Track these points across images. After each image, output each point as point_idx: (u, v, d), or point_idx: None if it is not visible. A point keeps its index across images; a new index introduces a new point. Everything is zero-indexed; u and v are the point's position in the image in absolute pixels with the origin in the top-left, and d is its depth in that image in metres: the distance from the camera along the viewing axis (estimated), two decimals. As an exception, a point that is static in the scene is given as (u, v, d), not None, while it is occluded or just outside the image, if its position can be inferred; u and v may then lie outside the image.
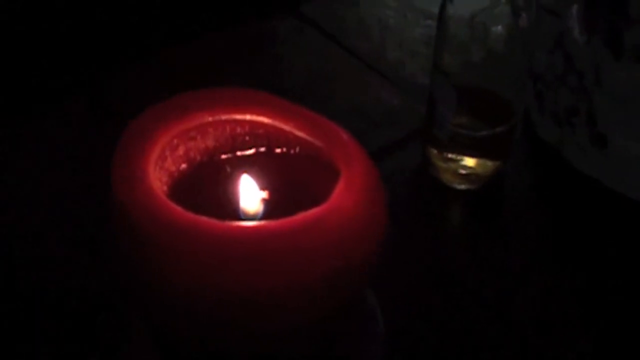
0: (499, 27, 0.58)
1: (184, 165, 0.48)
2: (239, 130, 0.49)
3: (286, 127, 0.48)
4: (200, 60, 0.75)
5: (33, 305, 0.55)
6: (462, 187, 0.64)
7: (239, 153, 0.49)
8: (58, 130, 0.68)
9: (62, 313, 0.55)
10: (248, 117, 0.48)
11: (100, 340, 0.54)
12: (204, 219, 0.42)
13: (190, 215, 0.42)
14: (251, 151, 0.49)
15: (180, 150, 0.48)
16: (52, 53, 0.77)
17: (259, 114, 0.48)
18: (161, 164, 0.46)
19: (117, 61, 0.75)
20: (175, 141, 0.47)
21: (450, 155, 0.63)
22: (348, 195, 0.43)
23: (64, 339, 0.54)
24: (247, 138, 0.49)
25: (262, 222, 0.43)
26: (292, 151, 0.49)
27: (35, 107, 0.70)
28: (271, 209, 0.47)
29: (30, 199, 0.62)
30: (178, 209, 0.43)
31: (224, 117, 0.48)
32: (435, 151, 0.64)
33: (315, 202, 0.44)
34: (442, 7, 0.59)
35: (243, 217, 0.46)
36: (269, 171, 0.48)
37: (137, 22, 0.80)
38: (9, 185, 0.64)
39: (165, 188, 0.47)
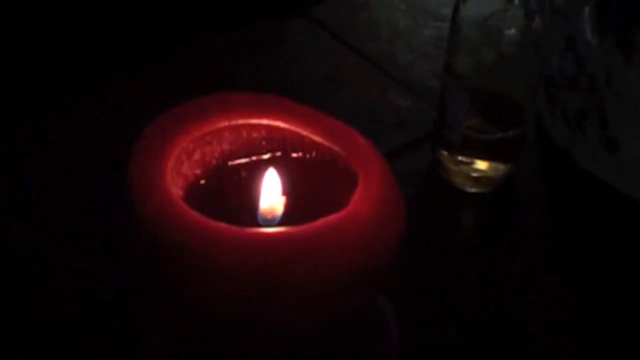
0: (512, 30, 0.58)
1: (200, 170, 0.48)
2: (255, 134, 0.48)
3: (303, 132, 0.47)
4: (208, 62, 0.74)
5: (44, 308, 0.55)
6: (473, 190, 0.64)
7: (255, 158, 0.49)
8: (58, 129, 0.68)
9: (74, 313, 0.55)
10: (264, 121, 0.48)
11: (114, 341, 0.53)
12: (221, 224, 0.42)
13: (207, 221, 0.42)
14: (267, 156, 0.49)
15: (197, 155, 0.47)
16: (52, 53, 0.76)
17: (275, 119, 0.48)
18: (177, 168, 0.46)
19: (124, 61, 0.75)
20: (191, 146, 0.47)
21: (461, 158, 0.63)
22: (367, 201, 0.43)
23: (77, 340, 0.53)
24: (263, 143, 0.49)
25: (281, 229, 0.42)
26: (308, 156, 0.48)
27: (34, 107, 0.70)
28: (288, 213, 0.46)
29: (38, 198, 0.62)
30: (195, 214, 0.42)
31: (240, 121, 0.48)
32: (446, 154, 0.63)
33: (332, 207, 0.43)
34: (455, 10, 0.59)
35: (261, 223, 0.46)
36: (286, 176, 0.47)
37: (145, 23, 0.79)
38: (16, 184, 0.63)
39: (181, 193, 0.46)
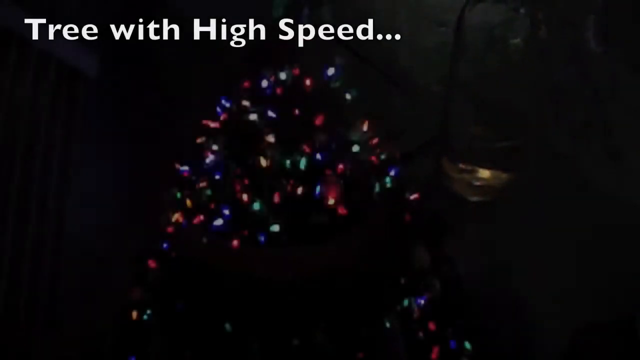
0: (518, 39, 0.58)
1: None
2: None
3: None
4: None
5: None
6: (475, 199, 0.64)
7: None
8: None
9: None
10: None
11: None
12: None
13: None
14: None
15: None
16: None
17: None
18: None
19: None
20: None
21: (464, 166, 0.62)
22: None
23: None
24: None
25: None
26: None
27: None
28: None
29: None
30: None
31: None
32: (449, 162, 0.63)
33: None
34: (460, 18, 0.58)
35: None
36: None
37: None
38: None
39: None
